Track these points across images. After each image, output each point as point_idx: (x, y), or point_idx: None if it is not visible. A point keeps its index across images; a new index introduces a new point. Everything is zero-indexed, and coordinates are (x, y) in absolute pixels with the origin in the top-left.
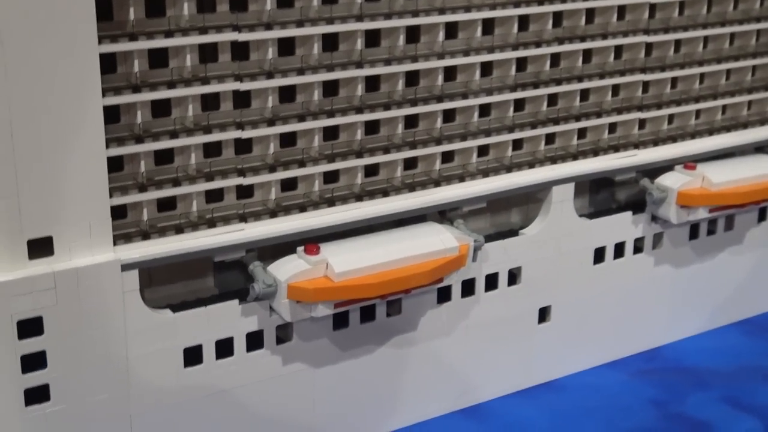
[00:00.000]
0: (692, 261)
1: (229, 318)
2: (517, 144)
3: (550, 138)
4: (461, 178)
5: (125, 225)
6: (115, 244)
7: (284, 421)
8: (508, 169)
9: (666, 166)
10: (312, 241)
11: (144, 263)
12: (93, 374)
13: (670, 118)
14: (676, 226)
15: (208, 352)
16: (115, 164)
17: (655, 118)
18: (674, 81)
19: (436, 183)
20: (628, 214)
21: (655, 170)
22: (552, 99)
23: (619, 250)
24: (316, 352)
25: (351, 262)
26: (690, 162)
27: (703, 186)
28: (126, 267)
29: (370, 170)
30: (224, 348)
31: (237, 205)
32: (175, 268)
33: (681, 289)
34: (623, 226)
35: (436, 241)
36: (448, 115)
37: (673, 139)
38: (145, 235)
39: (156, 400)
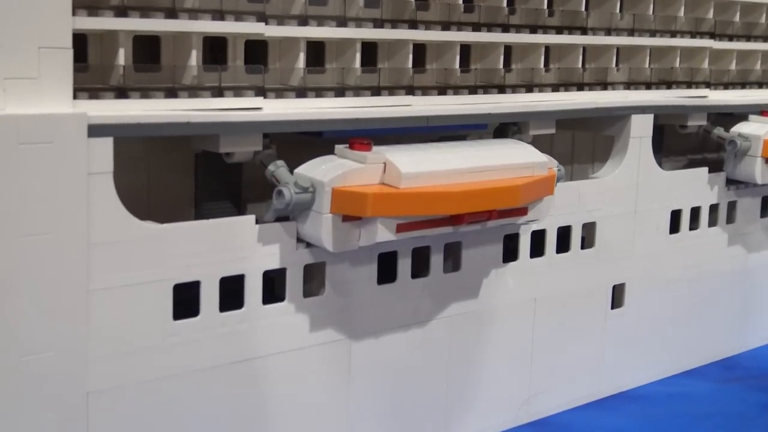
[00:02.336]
0: (765, 245)
1: (241, 244)
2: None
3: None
4: (528, 89)
5: (90, 77)
6: (75, 98)
7: (306, 419)
8: (579, 86)
9: (737, 114)
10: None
11: (122, 129)
12: (30, 316)
13: (737, 59)
14: (749, 196)
15: (209, 295)
16: None
17: (723, 57)
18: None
19: (500, 89)
20: (704, 170)
21: (723, 119)
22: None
23: (694, 217)
24: (354, 314)
25: (419, 163)
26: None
27: None
28: (95, 131)
29: (420, 60)
30: (231, 293)
31: (252, 76)
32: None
33: (755, 281)
34: (700, 185)
35: (521, 153)
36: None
37: (741, 85)
38: (121, 93)
39: (127, 369)
